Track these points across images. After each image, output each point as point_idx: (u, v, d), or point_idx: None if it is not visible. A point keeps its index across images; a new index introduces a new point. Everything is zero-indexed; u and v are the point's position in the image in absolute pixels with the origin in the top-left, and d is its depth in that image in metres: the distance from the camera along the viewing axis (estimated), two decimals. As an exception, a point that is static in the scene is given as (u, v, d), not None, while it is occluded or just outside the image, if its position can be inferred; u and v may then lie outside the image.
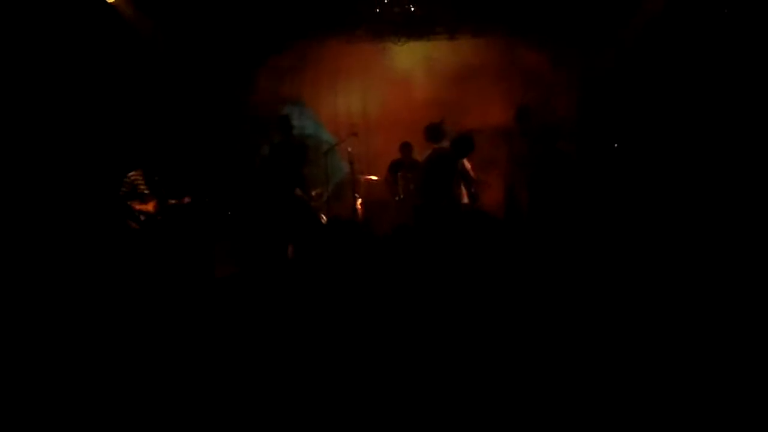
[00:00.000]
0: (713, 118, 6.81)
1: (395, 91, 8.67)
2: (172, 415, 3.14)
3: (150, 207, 6.18)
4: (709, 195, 6.58)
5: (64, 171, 6.57)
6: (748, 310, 4.18)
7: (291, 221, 6.78)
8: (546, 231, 6.60)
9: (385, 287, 4.95)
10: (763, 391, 3.04)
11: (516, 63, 8.57)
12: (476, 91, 8.45)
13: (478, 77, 8.54)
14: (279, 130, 7.33)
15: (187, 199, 6.42)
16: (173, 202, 6.33)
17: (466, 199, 6.72)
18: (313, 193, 7.22)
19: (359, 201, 7.83)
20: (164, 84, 7.73)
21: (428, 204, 6.55)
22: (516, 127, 7.26)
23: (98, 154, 6.80)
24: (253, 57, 8.51)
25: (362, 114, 8.84)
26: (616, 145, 7.76)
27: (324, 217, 7.33)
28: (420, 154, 7.23)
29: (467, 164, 6.72)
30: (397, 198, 7.66)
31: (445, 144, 6.74)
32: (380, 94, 8.79)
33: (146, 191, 6.18)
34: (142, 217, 6.14)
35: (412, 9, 8.22)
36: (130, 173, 6.16)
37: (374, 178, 8.02)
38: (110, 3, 6.92)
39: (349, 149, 7.77)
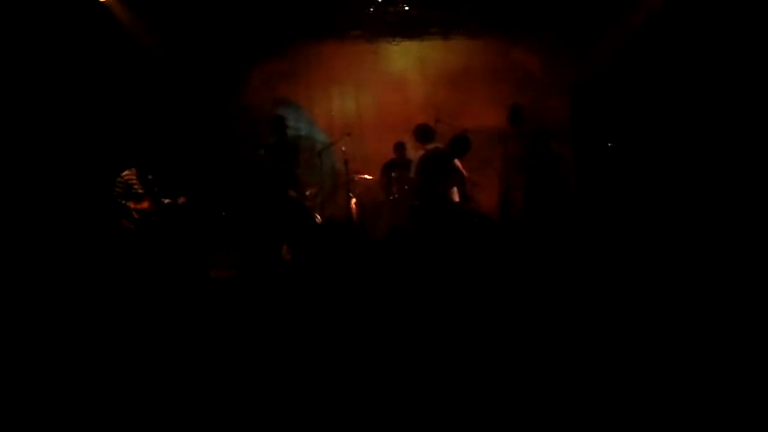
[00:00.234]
0: (708, 116, 6.83)
1: (389, 92, 8.71)
2: (164, 414, 3.13)
3: (145, 206, 6.16)
4: (704, 195, 6.60)
5: (58, 171, 6.53)
6: (735, 309, 4.20)
7: (285, 222, 6.76)
8: (540, 231, 6.62)
9: (380, 289, 4.95)
10: (763, 391, 3.05)
11: (510, 63, 8.61)
12: (470, 91, 8.50)
13: (473, 77, 8.60)
14: (273, 130, 7.31)
15: (182, 199, 6.40)
16: (168, 201, 6.31)
17: (457, 198, 6.73)
18: (308, 194, 7.21)
19: (354, 201, 7.82)
20: (158, 84, 7.70)
21: (424, 205, 6.56)
22: (509, 128, 7.28)
23: (92, 154, 6.76)
24: (247, 58, 8.50)
25: (356, 114, 8.83)
26: (609, 144, 7.78)
27: (319, 218, 7.32)
28: (414, 153, 7.23)
29: (458, 164, 6.73)
30: (391, 198, 7.66)
31: (432, 146, 6.76)
32: (374, 95, 8.81)
33: (140, 191, 6.15)
34: (137, 216, 6.11)
35: (407, 9, 8.24)
36: (124, 173, 6.13)
37: (369, 177, 8.02)
38: (102, 2, 6.88)
39: (344, 149, 7.77)
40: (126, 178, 6.12)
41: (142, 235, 6.13)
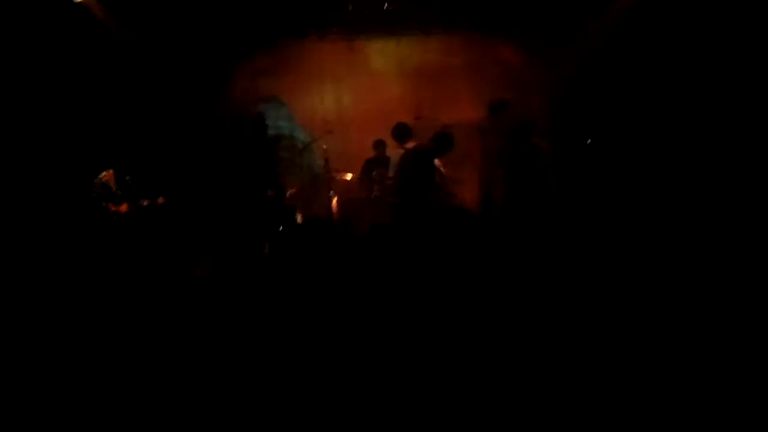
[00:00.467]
0: (688, 111, 6.87)
1: (370, 89, 8.71)
2: (151, 414, 3.11)
3: (124, 208, 6.12)
4: (686, 190, 6.64)
5: (34, 172, 6.47)
6: (719, 307, 4.22)
7: (265, 221, 6.73)
8: (521, 226, 6.64)
9: (364, 286, 4.95)
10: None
11: (490, 59, 8.64)
12: (450, 87, 8.53)
13: (452, 73, 8.63)
14: (253, 129, 7.28)
15: (161, 200, 6.36)
16: (147, 202, 6.27)
17: (438, 195, 6.74)
18: (288, 193, 7.18)
19: (335, 199, 7.81)
20: (136, 83, 7.64)
21: (406, 202, 6.56)
22: (490, 123, 7.29)
23: (70, 155, 6.70)
24: (227, 56, 8.46)
25: (337, 111, 8.83)
26: (589, 141, 7.83)
27: (299, 216, 7.30)
28: (394, 151, 7.23)
29: (437, 162, 6.74)
30: (372, 196, 7.66)
31: (411, 144, 6.77)
32: (355, 92, 8.83)
33: (118, 192, 6.11)
34: (116, 218, 6.06)
35: (386, 6, 8.24)
36: (101, 174, 6.08)
37: (349, 176, 8.00)
38: (78, 2, 6.81)
39: (325, 147, 7.75)
40: (104, 179, 6.07)
41: (121, 236, 6.08)
